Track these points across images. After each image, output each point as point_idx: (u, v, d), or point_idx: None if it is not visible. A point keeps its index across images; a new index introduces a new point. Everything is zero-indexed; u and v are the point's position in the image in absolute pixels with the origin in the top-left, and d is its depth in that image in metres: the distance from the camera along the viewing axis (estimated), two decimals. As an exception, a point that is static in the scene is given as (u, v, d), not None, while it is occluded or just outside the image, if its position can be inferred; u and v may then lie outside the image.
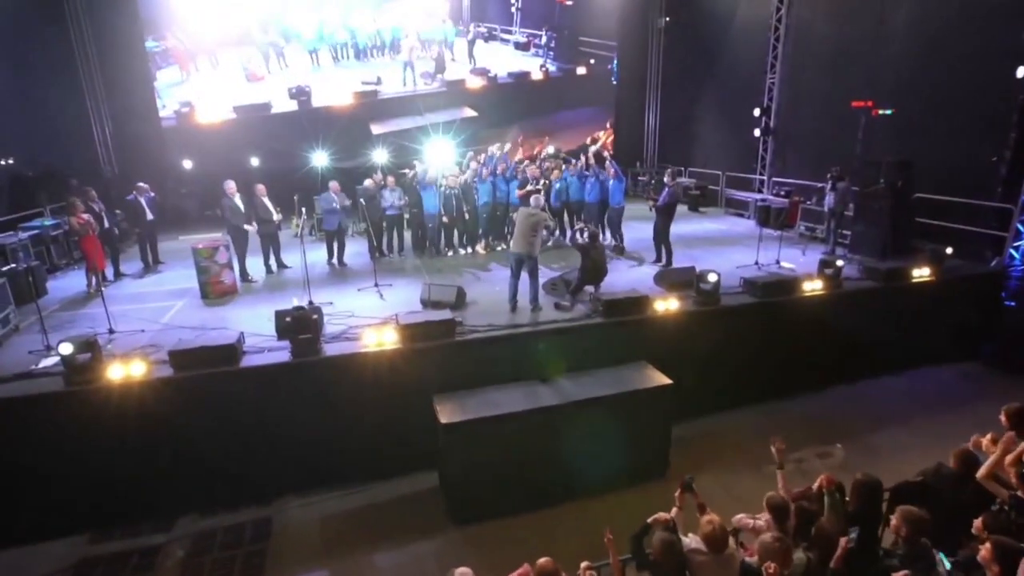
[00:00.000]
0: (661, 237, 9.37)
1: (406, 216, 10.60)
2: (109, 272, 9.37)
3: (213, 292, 8.11)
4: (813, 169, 13.05)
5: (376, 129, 16.63)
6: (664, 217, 9.23)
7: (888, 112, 13.02)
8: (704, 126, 17.16)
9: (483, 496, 5.80)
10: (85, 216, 8.57)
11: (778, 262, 9.58)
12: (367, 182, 10.45)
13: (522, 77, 18.30)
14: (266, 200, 9.36)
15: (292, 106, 16.10)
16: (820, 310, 8.04)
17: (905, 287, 8.46)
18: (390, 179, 10.30)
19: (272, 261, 9.65)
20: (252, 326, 7.02)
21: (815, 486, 3.89)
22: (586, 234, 7.73)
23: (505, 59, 18.04)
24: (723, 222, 14.07)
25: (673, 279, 8.28)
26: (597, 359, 6.86)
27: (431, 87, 17.22)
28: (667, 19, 18.47)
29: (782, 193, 13.23)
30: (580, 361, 6.80)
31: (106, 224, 9.25)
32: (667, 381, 6.24)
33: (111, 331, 6.76)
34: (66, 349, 5.33)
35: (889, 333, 8.46)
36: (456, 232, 10.76)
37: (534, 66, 18.40)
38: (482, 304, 7.73)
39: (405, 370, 6.29)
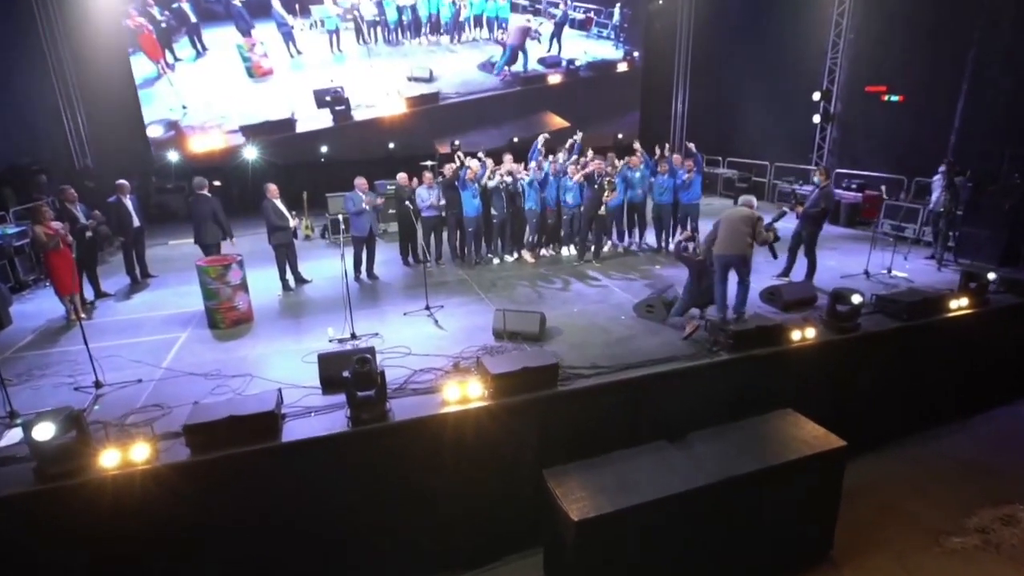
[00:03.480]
0: (807, 248, 7.75)
1: (442, 215, 8.99)
2: (88, 291, 7.65)
3: (225, 321, 6.46)
4: (885, 160, 11.76)
5: (446, 151, 13.76)
6: (813, 225, 7.62)
7: (895, 99, 11.72)
8: (746, 111, 15.66)
9: (613, 604, 4.36)
10: (55, 225, 6.83)
11: (889, 271, 8.22)
12: (400, 177, 8.80)
13: (606, 69, 15.00)
14: (279, 203, 7.69)
15: (323, 119, 12.80)
16: (964, 331, 6.69)
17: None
18: (427, 176, 8.68)
19: (289, 275, 8.01)
20: (281, 370, 5.47)
21: None
22: (694, 245, 6.26)
23: (566, 43, 14.91)
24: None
25: (789, 297, 6.85)
26: (729, 407, 5.43)
27: (501, 86, 13.81)
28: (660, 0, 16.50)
29: (853, 187, 11.87)
30: (709, 410, 5.38)
31: (88, 233, 7.48)
32: (839, 442, 4.82)
33: (98, 384, 5.11)
34: (44, 432, 3.70)
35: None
36: (501, 237, 9.21)
37: (610, 52, 15.18)
38: (568, 334, 6.21)
39: (494, 432, 4.78)
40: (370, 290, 8.06)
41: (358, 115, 13.40)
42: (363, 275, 8.40)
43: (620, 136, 17.43)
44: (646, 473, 4.48)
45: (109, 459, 3.90)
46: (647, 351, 5.71)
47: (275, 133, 12.78)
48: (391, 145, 14.57)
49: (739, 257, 6.03)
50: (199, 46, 12.73)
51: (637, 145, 9.76)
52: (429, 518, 4.77)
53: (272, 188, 7.55)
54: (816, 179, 7.76)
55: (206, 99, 12.74)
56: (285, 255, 7.81)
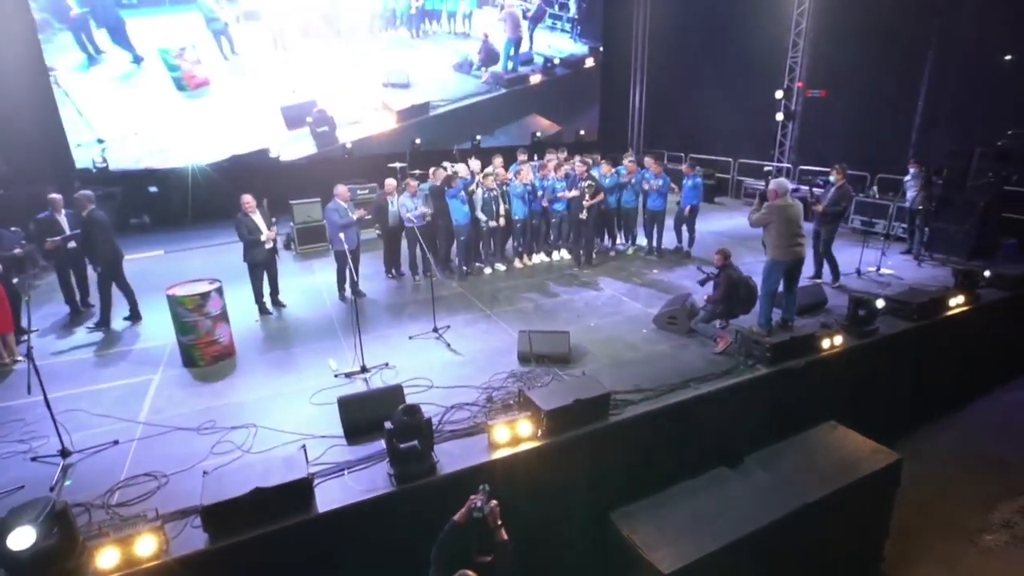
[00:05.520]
0: (824, 248, 7.70)
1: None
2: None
3: (204, 358, 5.58)
4: (846, 157, 12.13)
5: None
6: (831, 225, 7.60)
7: (817, 94, 12.24)
8: (708, 108, 15.80)
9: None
10: (-20, 252, 5.69)
11: (878, 269, 8.42)
12: (388, 184, 8.08)
13: (576, 65, 14.57)
14: (255, 216, 6.79)
15: (302, 144, 10.94)
16: (964, 325, 6.92)
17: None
18: (411, 182, 8.01)
19: (267, 299, 7.14)
20: (288, 416, 4.77)
21: None
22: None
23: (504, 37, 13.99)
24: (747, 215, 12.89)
25: (803, 301, 6.75)
26: (773, 423, 5.28)
27: (484, 89, 12.76)
28: None
29: (819, 183, 12.18)
30: (756, 428, 5.20)
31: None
32: (894, 456, 4.75)
33: (64, 453, 4.19)
34: (22, 540, 2.88)
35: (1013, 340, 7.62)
36: (492, 243, 8.72)
37: (571, 46, 14.64)
38: (595, 353, 5.83)
39: (544, 475, 4.34)
40: (359, 310, 7.31)
41: (342, 135, 11.79)
42: (347, 292, 7.65)
43: (582, 133, 17.21)
44: (718, 508, 4.20)
45: (107, 559, 3.13)
46: (684, 368, 5.44)
47: (246, 169, 10.84)
48: (348, 145, 13.59)
49: (802, 260, 5.87)
50: (91, 48, 10.07)
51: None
52: None
53: (248, 201, 6.63)
54: (832, 177, 7.77)
55: (127, 125, 10.32)
56: (262, 275, 6.93)
